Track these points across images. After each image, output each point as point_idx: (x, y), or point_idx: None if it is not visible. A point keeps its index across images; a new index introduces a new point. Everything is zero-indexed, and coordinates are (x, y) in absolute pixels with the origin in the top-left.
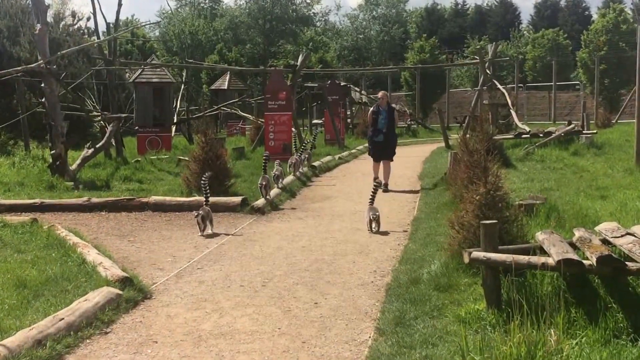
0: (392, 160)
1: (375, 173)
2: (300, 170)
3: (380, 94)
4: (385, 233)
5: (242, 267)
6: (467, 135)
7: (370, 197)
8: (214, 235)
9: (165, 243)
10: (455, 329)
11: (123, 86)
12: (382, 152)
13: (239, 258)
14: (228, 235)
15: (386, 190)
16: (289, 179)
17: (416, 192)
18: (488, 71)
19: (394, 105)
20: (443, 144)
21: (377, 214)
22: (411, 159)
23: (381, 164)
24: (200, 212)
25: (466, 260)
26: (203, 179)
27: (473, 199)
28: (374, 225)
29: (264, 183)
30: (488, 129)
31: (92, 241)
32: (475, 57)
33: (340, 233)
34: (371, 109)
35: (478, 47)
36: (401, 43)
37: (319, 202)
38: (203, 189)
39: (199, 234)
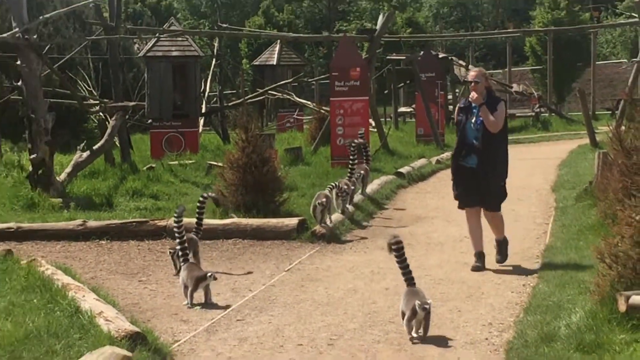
0: (497, 210)
1: (473, 238)
2: (345, 208)
3: (471, 74)
4: (505, 270)
5: (299, 318)
6: (623, 128)
7: (403, 271)
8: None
9: None
10: None
11: (130, 63)
12: (476, 191)
13: (295, 305)
14: (279, 272)
15: (499, 262)
16: (335, 217)
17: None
18: None
19: (508, 89)
20: (587, 141)
21: (428, 305)
22: (541, 162)
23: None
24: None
25: (622, 307)
26: (201, 198)
27: (631, 220)
28: (418, 330)
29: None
30: None
31: (88, 282)
32: (633, 14)
33: (439, 269)
34: (458, 104)
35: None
36: None
37: (409, 224)
38: (198, 214)
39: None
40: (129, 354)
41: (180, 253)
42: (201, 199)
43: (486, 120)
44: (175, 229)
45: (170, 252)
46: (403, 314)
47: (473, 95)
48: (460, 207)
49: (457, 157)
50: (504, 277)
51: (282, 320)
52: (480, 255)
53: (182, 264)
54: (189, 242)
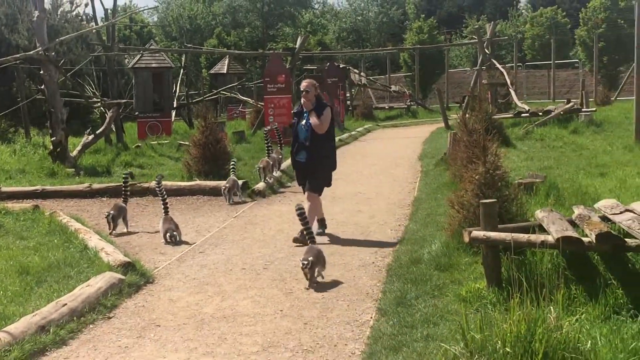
0: (318, 194)
1: (318, 212)
2: (274, 174)
3: (303, 85)
4: (387, 214)
5: (243, 250)
6: (467, 115)
7: (305, 230)
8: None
9: None
10: (456, 308)
11: (122, 72)
12: (306, 179)
13: (240, 241)
14: (229, 218)
15: (297, 240)
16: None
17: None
18: (487, 50)
19: (388, 89)
20: (443, 125)
21: (310, 259)
22: (411, 140)
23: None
24: (111, 211)
25: (466, 239)
26: (124, 176)
27: (472, 179)
28: (308, 277)
29: (261, 166)
30: (487, 109)
31: (93, 227)
32: (474, 36)
33: (341, 215)
34: (293, 110)
35: (476, 26)
36: (400, 24)
37: None
38: (123, 193)
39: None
40: (122, 277)
41: (163, 207)
42: (124, 176)
43: (313, 123)
44: (157, 192)
45: (105, 216)
46: None
47: (304, 101)
48: (304, 190)
49: (292, 153)
50: (385, 220)
51: (231, 252)
52: (321, 222)
53: (163, 214)
54: (119, 209)
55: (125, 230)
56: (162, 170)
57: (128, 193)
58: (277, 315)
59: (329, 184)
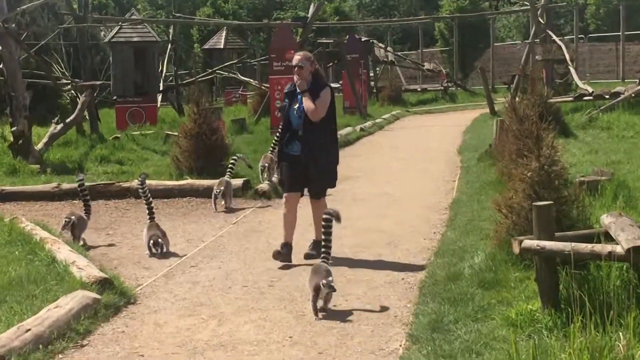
0: (323, 196)
1: (286, 228)
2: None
3: (296, 58)
4: (419, 219)
5: (244, 263)
6: (516, 99)
7: (324, 243)
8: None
9: None
10: (504, 334)
11: (97, 47)
12: (299, 178)
13: (241, 253)
14: (227, 225)
15: (306, 256)
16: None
17: None
18: (541, 20)
19: (420, 67)
20: (487, 110)
21: (330, 281)
22: (449, 129)
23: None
24: (72, 217)
25: (516, 250)
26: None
27: (524, 176)
28: (319, 303)
29: (265, 165)
30: (542, 91)
31: (63, 236)
32: (526, 3)
33: (362, 220)
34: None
35: None
36: None
37: (337, 183)
38: (82, 196)
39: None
40: (98, 296)
41: (147, 212)
42: (80, 179)
43: (307, 108)
44: (141, 193)
45: (65, 221)
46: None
47: (297, 80)
48: (284, 190)
49: (281, 143)
50: (417, 227)
51: (229, 266)
52: (286, 246)
53: (148, 220)
54: (80, 220)
55: (80, 244)
56: (146, 167)
57: (88, 198)
58: (286, 343)
59: (333, 184)
